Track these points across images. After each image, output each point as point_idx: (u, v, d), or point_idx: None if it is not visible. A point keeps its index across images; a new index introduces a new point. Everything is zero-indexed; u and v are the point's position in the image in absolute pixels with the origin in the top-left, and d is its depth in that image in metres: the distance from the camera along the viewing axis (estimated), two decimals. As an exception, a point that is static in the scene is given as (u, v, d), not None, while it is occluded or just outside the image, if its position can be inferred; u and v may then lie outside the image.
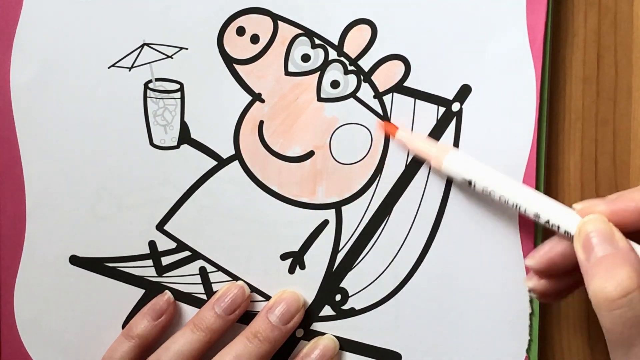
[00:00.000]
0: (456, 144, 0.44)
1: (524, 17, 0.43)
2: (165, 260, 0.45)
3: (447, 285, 0.45)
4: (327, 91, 0.44)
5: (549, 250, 0.40)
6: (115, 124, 0.44)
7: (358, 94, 0.44)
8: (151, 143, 0.44)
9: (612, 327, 0.35)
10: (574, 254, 0.38)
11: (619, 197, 0.38)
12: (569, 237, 0.39)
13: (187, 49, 0.44)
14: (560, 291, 0.42)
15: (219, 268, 0.45)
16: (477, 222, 0.44)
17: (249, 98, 0.44)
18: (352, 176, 0.45)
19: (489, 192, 0.41)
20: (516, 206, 0.40)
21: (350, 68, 0.44)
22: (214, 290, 0.45)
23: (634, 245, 0.37)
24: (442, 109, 0.44)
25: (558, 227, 0.39)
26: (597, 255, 0.36)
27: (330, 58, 0.44)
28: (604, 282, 0.35)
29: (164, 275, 0.45)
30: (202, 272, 0.45)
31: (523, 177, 0.44)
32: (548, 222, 0.39)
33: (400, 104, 0.44)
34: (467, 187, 0.42)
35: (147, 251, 0.45)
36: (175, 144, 0.44)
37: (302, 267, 0.45)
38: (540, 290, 0.41)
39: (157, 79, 0.44)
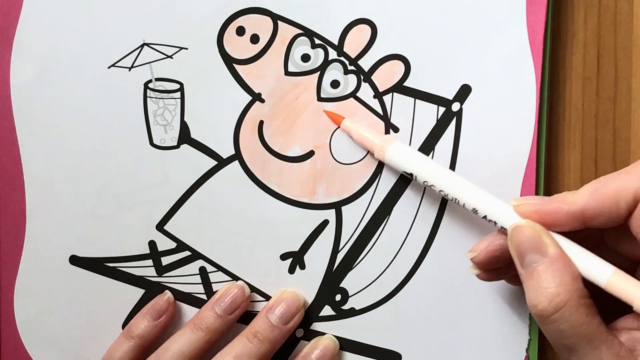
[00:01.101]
0: (456, 143, 0.44)
1: (524, 17, 0.43)
2: (165, 260, 0.45)
3: (447, 285, 0.45)
4: (327, 91, 0.44)
5: (489, 244, 0.40)
6: (115, 124, 0.44)
7: (358, 94, 0.44)
8: (151, 143, 0.44)
9: (551, 337, 0.36)
10: None
11: (552, 199, 0.38)
12: (506, 233, 0.39)
13: (187, 48, 0.44)
14: (509, 277, 0.42)
15: (219, 268, 0.45)
16: (477, 222, 0.44)
17: (249, 98, 0.44)
18: (352, 176, 0.45)
19: (430, 185, 0.41)
20: (455, 200, 0.40)
21: (350, 68, 0.44)
22: (214, 290, 0.45)
23: (565, 242, 0.37)
24: (442, 109, 0.44)
25: (495, 223, 0.39)
26: (529, 264, 0.36)
27: (330, 58, 0.44)
28: (536, 296, 0.36)
29: (164, 275, 0.45)
30: (202, 272, 0.45)
31: (523, 177, 0.44)
32: (485, 217, 0.39)
33: (400, 104, 0.44)
34: (410, 179, 0.42)
35: (147, 251, 0.45)
36: (175, 143, 0.44)
37: (302, 267, 0.45)
38: (486, 278, 0.42)
39: (157, 79, 0.44)
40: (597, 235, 0.40)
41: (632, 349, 0.36)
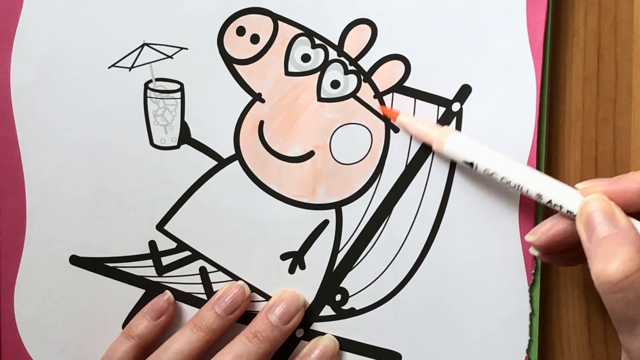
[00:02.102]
0: (390, 108, 0.44)
1: (524, 17, 0.43)
2: (165, 260, 0.45)
3: (447, 285, 0.45)
4: (327, 91, 0.44)
5: (550, 227, 0.40)
6: (115, 124, 0.44)
7: (358, 94, 0.44)
8: (151, 143, 0.44)
9: (615, 307, 0.35)
10: (574, 232, 0.38)
11: (620, 178, 0.38)
12: (571, 217, 0.39)
13: (187, 49, 0.44)
14: (565, 260, 0.42)
15: (219, 268, 0.45)
16: (477, 223, 0.44)
17: (249, 98, 0.44)
18: (352, 176, 0.45)
19: (491, 173, 0.41)
20: (518, 187, 0.40)
21: (351, 68, 0.44)
22: (214, 290, 0.45)
23: (635, 222, 0.37)
24: (442, 109, 0.44)
25: (560, 207, 0.39)
26: (599, 235, 0.36)
27: (330, 58, 0.44)
28: (605, 264, 0.35)
29: (164, 275, 0.45)
30: (202, 272, 0.45)
31: (523, 177, 0.44)
32: (550, 202, 0.39)
33: (400, 104, 0.44)
34: (470, 169, 0.42)
35: (147, 251, 0.45)
36: (175, 144, 0.44)
37: (302, 267, 0.45)
38: (544, 259, 0.42)
39: (157, 79, 0.44)
40: None
41: None
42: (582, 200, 0.38)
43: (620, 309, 0.35)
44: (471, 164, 0.41)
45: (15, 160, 0.44)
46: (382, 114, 0.44)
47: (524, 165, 0.41)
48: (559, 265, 0.44)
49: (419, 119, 0.43)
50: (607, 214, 0.37)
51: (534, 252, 0.42)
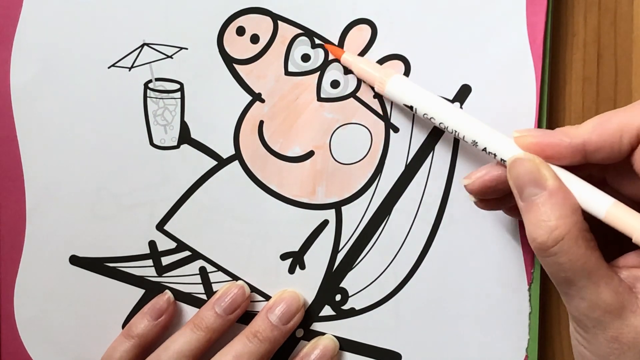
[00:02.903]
0: (456, 144, 0.44)
1: (524, 17, 0.43)
2: (165, 260, 0.45)
3: (447, 285, 0.45)
4: (327, 91, 0.44)
5: (485, 173, 0.40)
6: (115, 124, 0.44)
7: (358, 94, 0.44)
8: (151, 143, 0.44)
9: (550, 270, 0.36)
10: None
11: (556, 131, 0.38)
12: (505, 165, 0.39)
13: (187, 49, 0.44)
14: (507, 208, 0.42)
15: (219, 268, 0.45)
16: (477, 222, 0.44)
17: (249, 98, 0.44)
18: (352, 176, 0.45)
19: (429, 117, 0.41)
20: (455, 132, 0.40)
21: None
22: (214, 290, 0.45)
23: (566, 177, 0.37)
24: (442, 109, 0.44)
25: (494, 155, 0.39)
26: (529, 196, 0.36)
27: (330, 58, 0.44)
28: (535, 229, 0.36)
29: (164, 275, 0.45)
30: (202, 272, 0.45)
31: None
32: (485, 149, 0.39)
33: (400, 104, 0.44)
34: (410, 111, 0.42)
35: (147, 251, 0.45)
36: (175, 144, 0.44)
37: (302, 267, 0.45)
38: (484, 207, 0.42)
39: (157, 79, 0.44)
40: (599, 175, 0.40)
41: (631, 286, 0.36)
42: (510, 158, 0.38)
43: (555, 270, 0.36)
44: (411, 107, 0.41)
45: (15, 160, 0.44)
46: (328, 50, 0.43)
47: (464, 112, 0.41)
48: (499, 210, 0.43)
49: (363, 60, 0.43)
50: (533, 176, 0.36)
51: (471, 198, 0.41)
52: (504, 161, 0.39)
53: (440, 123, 0.40)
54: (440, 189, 0.44)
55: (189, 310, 0.46)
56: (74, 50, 0.44)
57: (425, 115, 0.41)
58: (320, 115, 0.44)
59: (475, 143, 0.40)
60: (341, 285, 0.45)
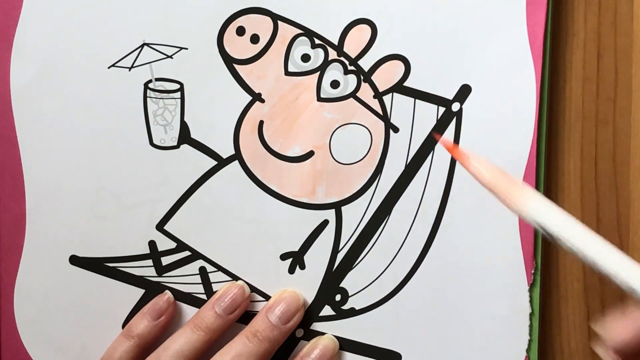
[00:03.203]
0: (456, 144, 0.44)
1: (524, 17, 0.43)
2: (165, 260, 0.45)
3: (446, 285, 0.45)
4: (327, 91, 0.44)
5: (633, 322, 0.30)
6: (115, 124, 0.44)
7: (358, 94, 0.44)
8: (151, 143, 0.44)
9: None
10: None
11: None
12: None
13: (187, 49, 0.44)
14: None
15: (219, 268, 0.45)
16: (477, 222, 0.44)
17: (249, 98, 0.44)
18: (352, 176, 0.45)
19: (573, 250, 0.32)
20: (608, 275, 0.31)
21: (350, 68, 0.44)
22: (214, 290, 0.45)
23: None
24: (442, 109, 0.44)
25: None
26: None
27: (330, 58, 0.44)
28: None
29: (164, 275, 0.45)
30: (202, 272, 0.45)
31: (523, 176, 0.44)
32: None
33: (400, 104, 0.44)
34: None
35: (147, 251, 0.45)
36: (175, 143, 0.45)
37: (302, 267, 0.45)
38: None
39: (157, 79, 0.44)
40: None
41: None
42: None
43: None
44: (550, 235, 0.32)
45: (15, 160, 0.44)
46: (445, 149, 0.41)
47: (611, 246, 0.32)
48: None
49: (493, 170, 0.34)
50: None
51: (601, 353, 0.32)
52: None
53: (588, 258, 0.31)
54: (440, 189, 0.44)
55: (189, 310, 0.46)
56: (74, 50, 0.44)
57: (568, 247, 0.32)
58: (320, 115, 0.44)
59: (631, 289, 0.30)
60: (341, 285, 0.45)
